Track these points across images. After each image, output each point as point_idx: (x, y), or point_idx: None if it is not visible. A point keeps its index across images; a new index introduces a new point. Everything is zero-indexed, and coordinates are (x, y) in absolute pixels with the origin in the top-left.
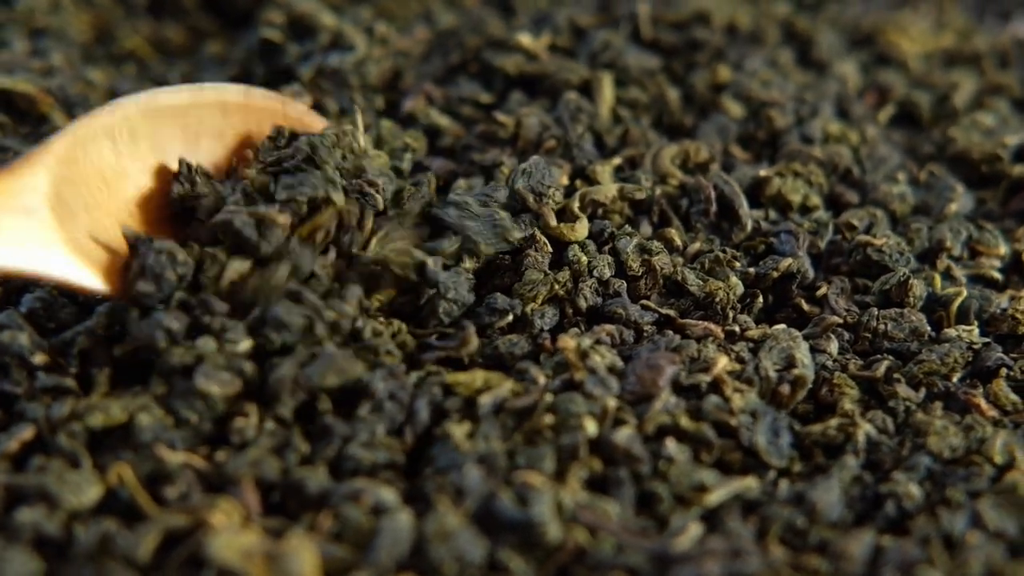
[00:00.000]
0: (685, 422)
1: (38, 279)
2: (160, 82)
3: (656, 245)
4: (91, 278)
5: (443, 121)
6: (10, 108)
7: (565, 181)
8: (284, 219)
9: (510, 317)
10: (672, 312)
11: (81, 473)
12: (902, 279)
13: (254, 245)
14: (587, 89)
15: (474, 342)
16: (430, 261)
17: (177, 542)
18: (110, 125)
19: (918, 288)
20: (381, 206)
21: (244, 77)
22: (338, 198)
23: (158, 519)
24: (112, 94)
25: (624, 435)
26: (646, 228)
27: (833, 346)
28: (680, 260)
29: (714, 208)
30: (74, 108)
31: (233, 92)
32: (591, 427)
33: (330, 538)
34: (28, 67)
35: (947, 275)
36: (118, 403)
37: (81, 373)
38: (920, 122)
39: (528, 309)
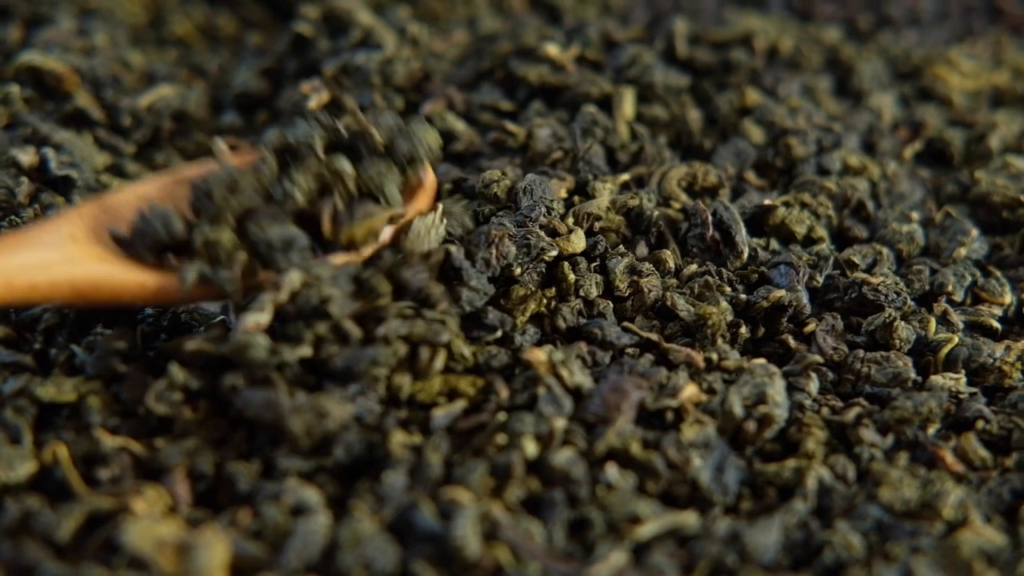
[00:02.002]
0: (636, 449)
1: (79, 296)
2: (197, 69)
3: (647, 267)
4: (130, 274)
5: (459, 126)
6: (39, 85)
7: (563, 194)
8: None
9: (499, 333)
10: (654, 336)
11: (18, 449)
12: (887, 320)
13: None
14: (608, 103)
15: None
16: (453, 249)
17: (101, 524)
18: (139, 193)
19: (903, 331)
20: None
21: (277, 70)
22: None
23: (84, 500)
24: (148, 77)
25: (564, 457)
26: (642, 249)
27: (812, 385)
28: (674, 283)
29: (711, 233)
30: (103, 88)
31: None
32: (530, 447)
33: (248, 535)
34: (68, 46)
35: (943, 320)
36: (71, 382)
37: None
38: (951, 161)
39: (518, 322)
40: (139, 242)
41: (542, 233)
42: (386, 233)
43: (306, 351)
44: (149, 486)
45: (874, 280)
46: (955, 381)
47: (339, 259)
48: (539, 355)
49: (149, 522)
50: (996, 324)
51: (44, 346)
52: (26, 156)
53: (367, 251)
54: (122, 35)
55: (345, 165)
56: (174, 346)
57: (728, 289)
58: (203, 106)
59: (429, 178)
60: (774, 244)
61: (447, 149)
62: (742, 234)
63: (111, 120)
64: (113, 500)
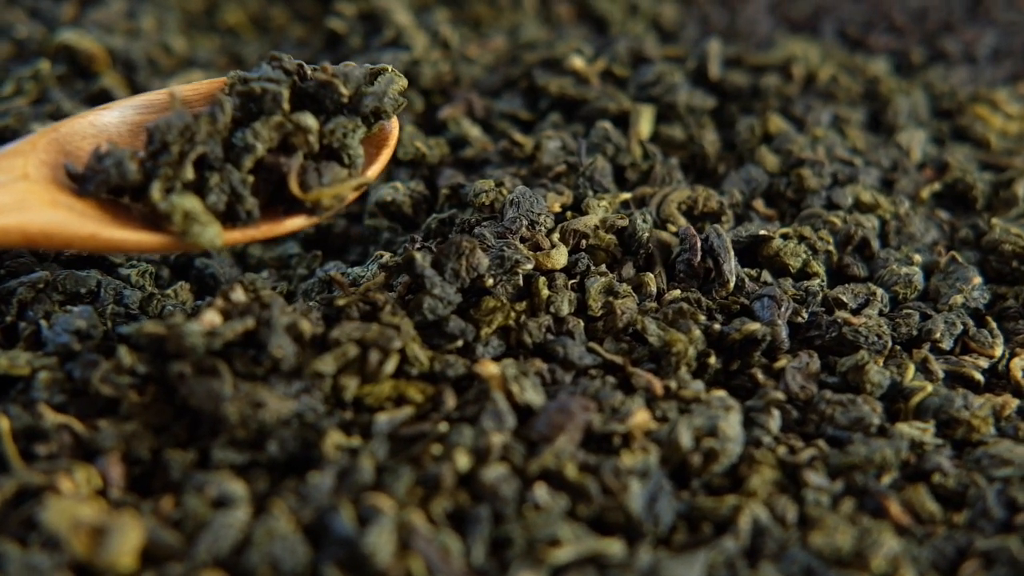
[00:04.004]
0: (571, 471)
1: (29, 242)
2: (236, 58)
3: (624, 288)
4: (82, 223)
5: (473, 132)
6: (74, 63)
7: (557, 208)
8: None
9: (459, 343)
10: (618, 359)
11: None
12: (859, 363)
13: None
14: (625, 120)
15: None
16: (418, 256)
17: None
18: (96, 122)
19: (874, 375)
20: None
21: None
22: None
23: (16, 475)
24: (187, 63)
25: (494, 473)
26: (629, 270)
27: (773, 423)
28: (653, 307)
29: (698, 259)
30: (136, 71)
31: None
32: (462, 460)
33: (168, 523)
34: (113, 27)
35: (923, 367)
36: (26, 356)
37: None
38: (974, 204)
39: (482, 333)
40: (92, 183)
41: (521, 246)
42: (349, 197)
43: (249, 323)
44: (80, 466)
45: (856, 321)
46: (921, 431)
47: (299, 221)
48: (491, 368)
49: (71, 502)
50: (978, 376)
51: (16, 319)
52: None
53: (328, 215)
54: (172, 20)
55: (309, 120)
56: (135, 330)
57: (703, 318)
58: None
59: (393, 131)
60: (766, 276)
61: (457, 154)
62: (730, 263)
63: None
64: (43, 477)
